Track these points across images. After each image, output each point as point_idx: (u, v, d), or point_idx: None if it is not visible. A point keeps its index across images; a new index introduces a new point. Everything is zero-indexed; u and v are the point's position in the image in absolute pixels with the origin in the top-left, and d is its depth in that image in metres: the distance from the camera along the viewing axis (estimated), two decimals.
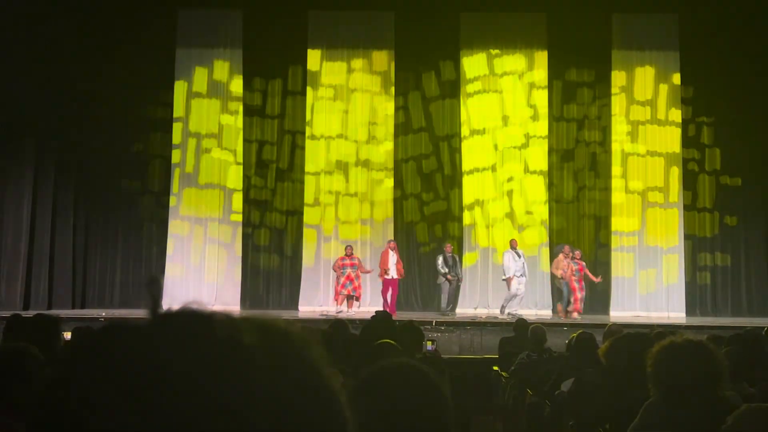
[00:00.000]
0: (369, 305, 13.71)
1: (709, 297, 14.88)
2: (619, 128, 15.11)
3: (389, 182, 15.12)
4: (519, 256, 13.51)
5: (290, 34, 15.07)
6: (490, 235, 14.87)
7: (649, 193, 14.94)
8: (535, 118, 15.10)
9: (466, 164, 15.11)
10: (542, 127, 15.09)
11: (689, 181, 15.02)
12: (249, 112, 15.36)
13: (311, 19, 15.16)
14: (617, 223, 14.95)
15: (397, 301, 13.93)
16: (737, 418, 2.24)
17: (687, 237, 14.87)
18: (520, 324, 8.31)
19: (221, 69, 15.30)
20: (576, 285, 13.47)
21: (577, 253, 13.78)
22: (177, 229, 15.00)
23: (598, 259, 15.03)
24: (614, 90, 15.17)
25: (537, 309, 14.14)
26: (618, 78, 15.18)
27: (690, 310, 14.55)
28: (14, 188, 14.03)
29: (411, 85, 15.35)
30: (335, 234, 14.95)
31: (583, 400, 4.16)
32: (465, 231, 15.05)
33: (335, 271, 13.65)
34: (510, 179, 15.03)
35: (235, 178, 15.20)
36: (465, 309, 14.38)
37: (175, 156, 15.12)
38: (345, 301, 13.52)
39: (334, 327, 5.88)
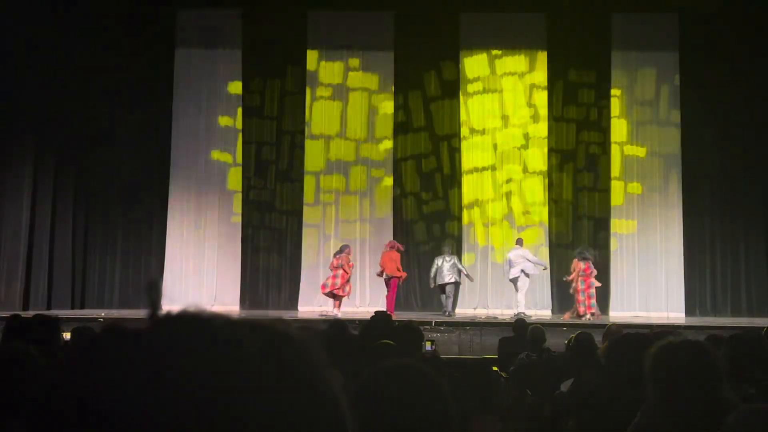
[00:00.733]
0: (369, 305, 13.73)
1: (708, 297, 14.89)
2: (618, 128, 15.12)
3: (388, 181, 15.13)
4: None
5: (290, 34, 15.08)
6: (489, 235, 14.88)
7: (648, 194, 14.94)
8: (534, 118, 15.11)
9: (466, 164, 15.11)
10: (542, 127, 15.10)
11: (688, 183, 15.01)
12: (248, 112, 15.36)
13: (310, 19, 15.16)
14: (616, 223, 14.96)
15: (396, 302, 13.94)
16: (736, 419, 2.24)
17: (686, 238, 14.87)
18: (520, 324, 8.31)
19: (220, 69, 15.30)
20: (581, 286, 13.42)
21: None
22: (176, 229, 15.00)
23: (598, 260, 15.01)
24: (614, 90, 15.17)
25: (536, 309, 14.14)
26: (618, 78, 15.19)
27: (689, 311, 14.56)
28: (13, 188, 14.02)
29: (410, 85, 15.35)
30: (335, 234, 14.95)
31: (582, 400, 4.16)
32: (464, 231, 15.06)
33: (347, 273, 13.46)
34: (509, 179, 15.04)
35: (234, 178, 15.20)
36: (464, 309, 14.39)
37: (174, 158, 15.12)
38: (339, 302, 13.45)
39: (334, 327, 5.87)
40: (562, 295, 14.16)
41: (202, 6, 15.20)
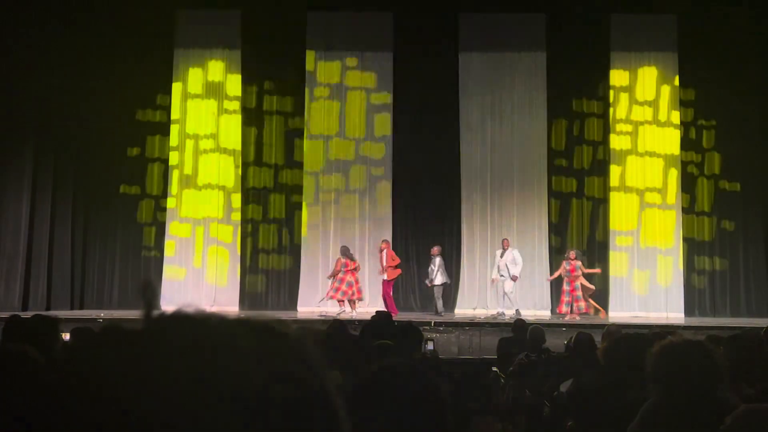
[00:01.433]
0: (368, 306, 13.72)
1: (707, 297, 14.88)
2: (617, 129, 15.12)
3: (388, 180, 15.12)
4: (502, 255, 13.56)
5: (289, 34, 15.08)
6: (489, 235, 14.87)
7: (647, 194, 14.94)
8: (533, 118, 15.10)
9: (465, 164, 15.11)
10: (541, 127, 15.10)
11: (688, 184, 15.01)
12: (247, 112, 15.36)
13: (310, 19, 15.16)
14: (616, 223, 14.95)
15: (396, 302, 13.96)
16: (736, 419, 2.24)
17: (685, 239, 14.87)
18: (519, 325, 8.31)
19: (219, 69, 15.31)
20: (566, 287, 13.46)
21: (571, 253, 13.76)
22: (175, 229, 15.00)
23: (597, 260, 15.03)
24: (613, 91, 15.17)
25: (536, 309, 14.13)
26: (617, 79, 15.19)
27: (688, 311, 14.55)
28: (13, 188, 14.02)
29: (409, 85, 15.33)
30: (334, 233, 14.95)
31: (581, 400, 4.16)
32: (463, 231, 15.06)
33: (353, 274, 13.58)
34: (507, 180, 15.04)
35: (233, 179, 15.20)
36: (464, 309, 14.39)
37: (173, 157, 15.13)
38: (346, 304, 13.51)
39: (333, 327, 5.87)
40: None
41: (202, 6, 15.19)
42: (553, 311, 14.25)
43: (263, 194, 15.36)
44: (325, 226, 15.05)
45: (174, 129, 15.19)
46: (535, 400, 5.84)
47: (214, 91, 15.30)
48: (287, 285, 15.12)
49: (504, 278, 13.45)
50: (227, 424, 0.57)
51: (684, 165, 15.03)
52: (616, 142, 15.10)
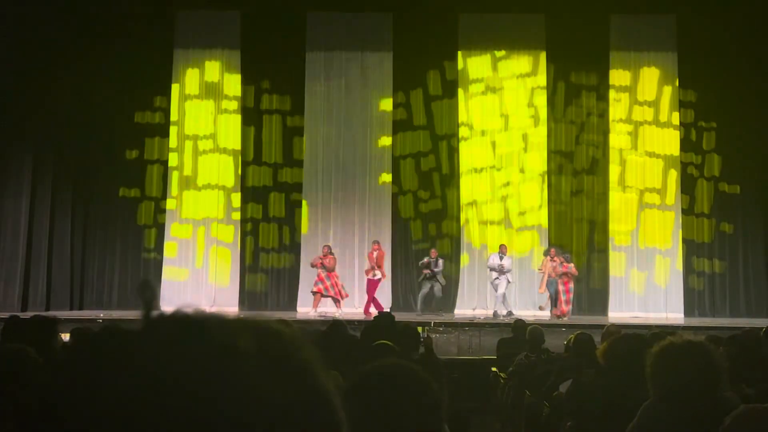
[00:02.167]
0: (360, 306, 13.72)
1: (707, 298, 14.88)
2: (617, 129, 15.12)
3: (387, 180, 15.13)
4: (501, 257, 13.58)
5: (289, 35, 15.08)
6: (487, 236, 14.86)
7: (647, 195, 14.95)
8: (533, 118, 15.11)
9: (464, 165, 15.12)
10: (540, 127, 15.10)
11: (688, 186, 15.01)
12: (247, 113, 15.37)
13: (310, 20, 15.16)
14: (615, 224, 14.95)
15: (395, 302, 13.96)
16: (735, 419, 2.24)
17: (685, 240, 14.87)
18: (519, 325, 8.31)
19: (219, 70, 15.31)
20: (561, 287, 13.47)
21: (566, 255, 13.77)
22: (174, 230, 15.00)
23: (597, 260, 15.04)
24: (613, 91, 15.17)
25: (535, 310, 14.13)
26: (616, 79, 15.19)
27: (688, 311, 14.55)
28: (12, 189, 14.02)
29: (409, 86, 15.34)
30: (334, 233, 14.96)
31: (581, 401, 4.16)
32: (462, 231, 15.06)
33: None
34: (507, 180, 15.04)
35: (233, 178, 15.21)
36: (464, 310, 14.38)
37: (173, 159, 15.14)
38: (318, 301, 13.48)
39: (332, 328, 5.87)
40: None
41: (202, 7, 15.19)
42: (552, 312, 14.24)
43: (263, 193, 15.36)
44: (325, 226, 15.05)
45: (173, 130, 15.19)
46: (534, 401, 5.83)
47: (212, 91, 15.30)
48: (287, 284, 15.12)
49: (499, 280, 13.44)
50: (227, 425, 0.57)
51: (684, 166, 15.03)
52: (616, 141, 15.10)
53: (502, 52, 15.25)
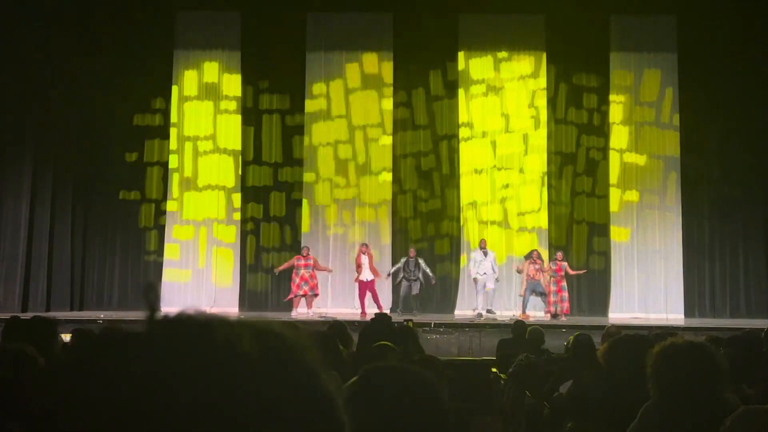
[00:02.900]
0: (368, 307, 13.71)
1: (707, 299, 14.88)
2: (617, 131, 15.12)
3: (387, 181, 15.13)
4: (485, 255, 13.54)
5: (289, 35, 15.08)
6: (487, 236, 14.85)
7: (647, 196, 14.94)
8: (533, 119, 15.11)
9: (465, 165, 15.13)
10: (541, 128, 15.10)
11: (688, 187, 15.00)
12: (247, 113, 15.37)
13: (310, 21, 15.17)
14: (615, 225, 14.95)
15: (395, 302, 13.95)
16: (735, 420, 2.24)
17: (685, 239, 14.86)
18: (519, 326, 8.31)
19: (219, 71, 15.32)
20: (552, 287, 13.46)
21: (558, 254, 13.77)
22: (174, 231, 15.01)
23: (597, 261, 15.03)
24: (613, 92, 15.17)
25: (535, 311, 14.13)
26: (617, 80, 15.19)
27: (688, 312, 14.55)
28: (12, 189, 14.02)
29: (409, 86, 15.36)
30: (334, 234, 14.97)
31: (581, 402, 4.16)
32: (462, 231, 15.06)
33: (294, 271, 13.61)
34: (508, 181, 15.04)
35: (233, 179, 15.21)
36: (464, 311, 14.37)
37: (173, 160, 15.14)
38: (303, 302, 13.46)
39: (333, 329, 5.87)
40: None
41: (201, 7, 15.19)
42: (547, 311, 14.23)
43: (263, 195, 15.37)
44: (325, 227, 15.05)
45: (173, 132, 15.20)
46: (534, 401, 5.83)
47: (212, 92, 15.31)
48: (287, 285, 15.09)
49: (486, 276, 13.42)
50: (229, 427, 0.57)
51: (684, 168, 15.02)
52: (616, 142, 15.09)
53: (503, 53, 15.26)
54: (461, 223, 15.07)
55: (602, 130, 15.27)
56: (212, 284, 14.88)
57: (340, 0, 15.14)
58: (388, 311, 12.78)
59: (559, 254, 13.77)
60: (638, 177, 14.99)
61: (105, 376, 0.59)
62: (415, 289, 13.72)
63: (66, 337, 5.22)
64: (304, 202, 15.13)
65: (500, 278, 13.88)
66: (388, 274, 13.84)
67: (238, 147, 15.25)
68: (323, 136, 15.22)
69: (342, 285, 14.49)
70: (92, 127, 14.79)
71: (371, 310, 13.46)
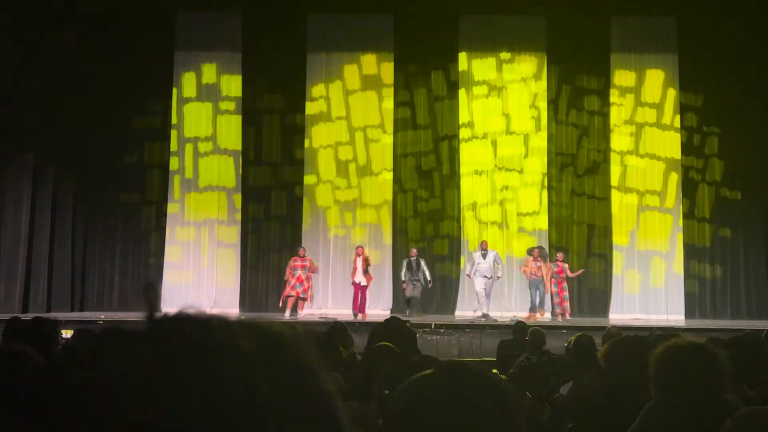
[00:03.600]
0: (369, 308, 13.71)
1: (708, 300, 14.87)
2: (618, 132, 15.11)
3: (388, 181, 15.13)
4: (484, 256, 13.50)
5: (289, 36, 15.09)
6: (488, 237, 14.85)
7: (647, 197, 14.93)
8: (533, 120, 15.11)
9: (465, 165, 15.13)
10: (541, 129, 15.10)
11: (688, 189, 14.99)
12: (248, 113, 15.37)
13: (310, 22, 15.17)
14: (616, 225, 14.95)
15: (395, 303, 13.94)
16: (736, 421, 2.24)
17: (684, 243, 14.85)
18: (519, 327, 8.31)
19: (219, 71, 15.33)
20: (554, 289, 13.44)
21: (559, 255, 13.75)
22: (175, 232, 15.01)
23: (597, 262, 15.03)
24: (614, 93, 15.16)
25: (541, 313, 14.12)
26: (618, 81, 15.18)
27: (689, 313, 14.54)
28: (13, 190, 14.04)
29: (410, 87, 15.37)
30: (335, 234, 14.98)
31: (582, 403, 4.16)
32: (462, 232, 15.06)
33: (288, 273, 13.58)
34: (508, 182, 15.04)
35: (234, 179, 15.22)
36: (464, 312, 14.37)
37: (173, 162, 15.15)
38: (296, 304, 13.45)
39: (333, 330, 5.87)
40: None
41: (202, 8, 15.19)
42: (553, 313, 14.23)
43: (264, 196, 15.37)
44: (324, 227, 15.06)
45: (173, 133, 15.20)
46: (535, 402, 5.83)
47: (212, 92, 15.31)
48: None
49: (481, 278, 13.36)
50: (229, 426, 0.57)
51: (685, 170, 15.01)
52: (617, 143, 15.08)
53: (504, 54, 15.25)
54: (461, 223, 15.07)
55: (603, 132, 15.26)
56: (213, 285, 14.88)
57: (341, 1, 15.12)
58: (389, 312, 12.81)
59: (560, 255, 13.76)
60: (639, 178, 14.98)
61: (104, 374, 0.58)
62: (417, 291, 13.68)
63: (67, 334, 5.22)
64: (305, 201, 15.13)
65: (501, 278, 13.85)
66: (403, 282, 13.67)
67: (239, 147, 15.26)
68: (324, 137, 15.22)
69: (343, 286, 14.48)
70: (93, 128, 14.78)
71: (371, 311, 13.51)
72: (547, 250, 14.47)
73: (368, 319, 12.49)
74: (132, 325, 0.63)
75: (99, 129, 14.80)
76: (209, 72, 15.32)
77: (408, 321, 9.82)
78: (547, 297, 13.52)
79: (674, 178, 14.97)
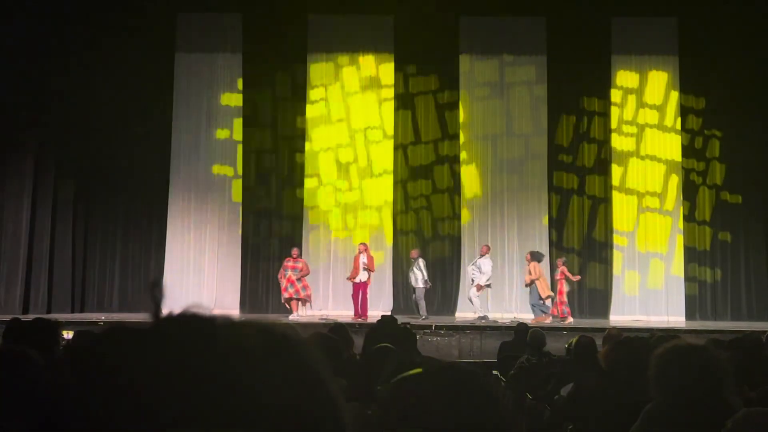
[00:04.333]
0: (370, 309, 13.70)
1: (708, 301, 14.86)
2: (619, 132, 15.11)
3: (389, 183, 15.13)
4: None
5: (290, 38, 15.09)
6: (488, 237, 14.85)
7: (647, 198, 14.93)
8: (534, 121, 15.11)
9: (465, 165, 15.13)
10: (542, 130, 15.10)
11: (689, 192, 14.99)
12: (249, 115, 15.37)
13: (311, 23, 15.18)
14: (616, 226, 14.95)
15: (396, 304, 13.92)
16: (737, 422, 2.24)
17: (687, 241, 14.85)
18: (520, 328, 8.31)
19: (220, 73, 15.32)
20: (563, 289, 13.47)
21: (559, 260, 13.74)
22: (176, 233, 15.00)
23: (598, 263, 15.02)
24: (614, 94, 15.17)
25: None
26: (618, 82, 15.18)
27: (690, 314, 14.53)
28: (13, 191, 14.04)
29: (410, 88, 15.37)
30: (335, 237, 14.98)
31: (582, 404, 4.16)
32: (463, 233, 15.06)
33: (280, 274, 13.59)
34: (508, 182, 15.04)
35: (234, 182, 15.22)
36: (465, 313, 14.36)
37: (174, 163, 15.14)
38: (297, 305, 13.44)
39: (334, 331, 5.86)
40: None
41: (202, 9, 15.19)
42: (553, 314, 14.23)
43: (264, 197, 15.37)
44: (325, 229, 15.06)
45: (175, 131, 15.20)
46: (535, 404, 5.83)
47: (213, 93, 15.31)
48: None
49: (487, 281, 13.35)
50: (231, 425, 0.57)
51: (686, 172, 15.01)
52: (618, 145, 15.09)
53: (504, 56, 15.25)
54: (462, 223, 15.07)
55: (604, 132, 15.25)
56: (214, 286, 14.88)
57: (341, 2, 15.12)
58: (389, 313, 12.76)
59: (559, 261, 13.73)
60: (639, 179, 14.97)
61: (108, 374, 0.59)
62: (417, 293, 13.65)
63: (68, 334, 5.23)
64: (306, 200, 15.13)
65: (498, 281, 13.85)
66: (425, 281, 13.49)
67: (239, 147, 15.25)
68: (324, 140, 15.22)
69: (343, 287, 14.47)
70: (93, 129, 14.77)
71: (372, 312, 13.48)
72: (547, 252, 14.46)
73: (369, 320, 12.47)
74: (135, 325, 0.63)
75: (99, 130, 14.78)
76: (211, 72, 15.30)
77: (408, 323, 9.83)
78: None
79: (675, 180, 14.96)
